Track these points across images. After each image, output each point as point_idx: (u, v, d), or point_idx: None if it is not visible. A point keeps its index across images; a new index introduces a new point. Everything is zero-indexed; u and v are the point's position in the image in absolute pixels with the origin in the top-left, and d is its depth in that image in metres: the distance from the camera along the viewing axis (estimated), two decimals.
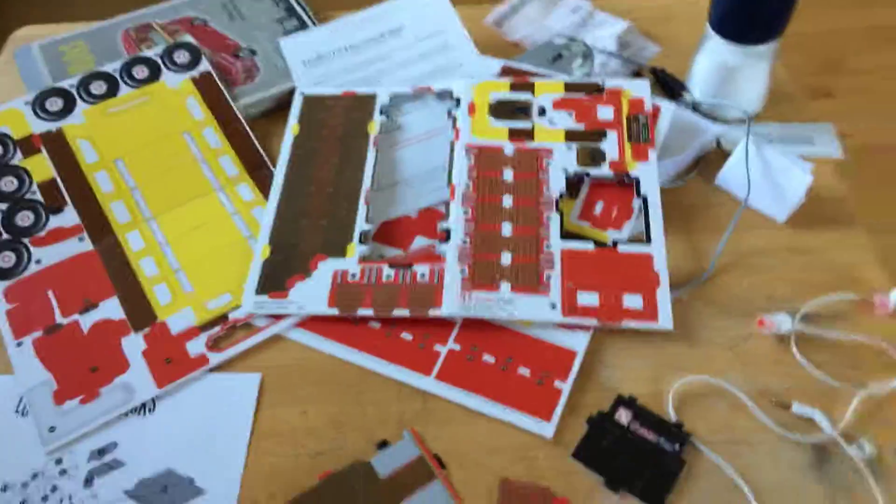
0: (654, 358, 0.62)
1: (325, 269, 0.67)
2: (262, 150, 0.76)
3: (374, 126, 0.76)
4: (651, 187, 0.68)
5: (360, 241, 0.68)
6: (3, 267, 0.68)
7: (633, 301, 0.63)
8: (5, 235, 0.69)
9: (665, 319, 0.62)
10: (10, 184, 0.72)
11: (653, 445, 0.56)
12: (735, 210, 0.69)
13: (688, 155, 0.72)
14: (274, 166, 0.75)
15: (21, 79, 0.80)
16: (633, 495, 0.54)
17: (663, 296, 0.63)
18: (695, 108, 0.77)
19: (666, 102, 0.74)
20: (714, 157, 0.74)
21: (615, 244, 0.66)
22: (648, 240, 0.66)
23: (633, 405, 0.59)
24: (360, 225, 0.69)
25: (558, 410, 0.59)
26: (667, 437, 0.57)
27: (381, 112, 0.77)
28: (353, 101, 0.78)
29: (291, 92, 0.80)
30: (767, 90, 0.77)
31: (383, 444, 0.58)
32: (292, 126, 0.77)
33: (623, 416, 0.58)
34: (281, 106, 0.80)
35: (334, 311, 0.64)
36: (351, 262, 0.67)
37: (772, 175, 0.68)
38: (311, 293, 0.65)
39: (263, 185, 0.74)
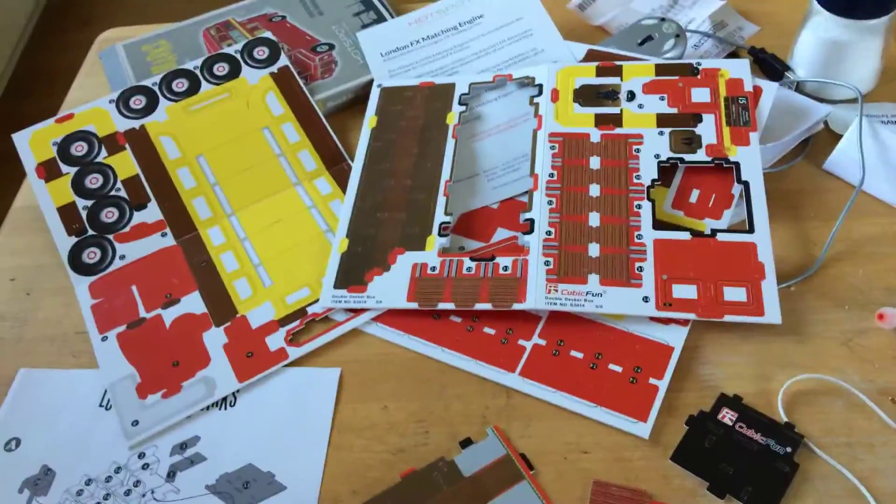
0: (759, 354, 0.57)
1: (404, 263, 0.65)
2: (339, 144, 0.75)
3: (453, 116, 0.73)
4: (753, 172, 0.63)
5: (440, 234, 0.66)
6: (88, 263, 0.69)
7: (735, 294, 0.58)
8: (91, 232, 0.70)
9: (772, 313, 0.57)
10: (95, 181, 0.72)
11: (761, 448, 0.52)
12: (846, 196, 0.63)
13: (793, 138, 0.67)
14: (352, 160, 0.74)
15: (107, 79, 0.81)
16: (740, 501, 0.50)
17: (769, 288, 0.58)
18: (799, 88, 0.72)
19: (768, 83, 0.69)
20: (822, 139, 0.68)
21: (714, 233, 0.61)
22: (751, 228, 0.61)
23: (737, 405, 0.54)
24: (440, 217, 0.67)
25: (655, 409, 0.55)
26: (777, 439, 0.52)
27: (460, 102, 0.74)
28: (431, 91, 0.76)
29: (369, 85, 0.78)
30: (881, 68, 0.71)
31: (467, 442, 0.55)
32: (370, 118, 0.75)
33: (727, 416, 0.54)
34: (359, 99, 0.79)
35: (414, 305, 0.62)
36: (430, 255, 0.65)
37: (888, 157, 0.62)
38: (390, 287, 0.63)
39: (341, 179, 0.73)
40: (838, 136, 0.66)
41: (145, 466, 0.57)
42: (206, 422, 0.59)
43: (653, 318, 0.59)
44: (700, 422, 0.54)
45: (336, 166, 0.74)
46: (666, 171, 0.66)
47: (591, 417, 0.55)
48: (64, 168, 0.73)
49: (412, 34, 0.82)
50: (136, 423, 0.59)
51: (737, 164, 0.64)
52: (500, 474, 0.53)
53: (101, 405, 0.61)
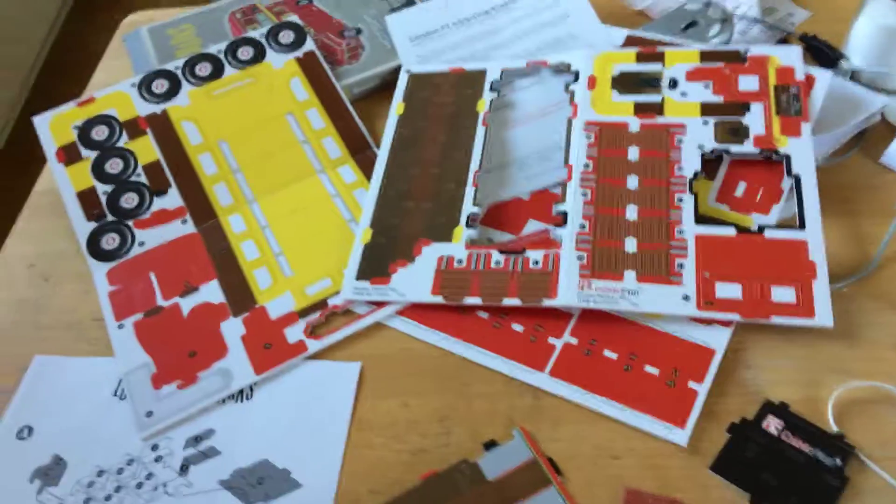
0: (808, 359, 0.53)
1: (430, 255, 0.62)
2: (365, 131, 0.73)
3: (484, 103, 0.70)
4: (805, 166, 0.59)
5: (468, 225, 0.63)
6: (107, 249, 0.67)
7: (783, 294, 0.54)
8: (110, 217, 0.68)
9: (823, 315, 0.53)
10: (115, 165, 0.71)
11: (808, 459, 0.48)
12: None
13: (848, 129, 0.63)
14: (378, 147, 0.71)
15: (131, 63, 0.80)
16: None
17: (821, 288, 0.54)
18: (854, 77, 0.67)
19: (821, 71, 0.65)
20: (878, 131, 0.64)
21: (761, 229, 0.57)
22: (802, 224, 0.57)
23: (783, 412, 0.50)
24: (468, 208, 0.64)
25: (694, 415, 0.51)
26: (825, 450, 0.48)
27: (492, 88, 0.71)
28: (461, 77, 0.73)
29: (397, 70, 0.76)
30: None
31: (491, 444, 0.52)
32: (397, 105, 0.73)
33: (772, 424, 0.50)
34: (386, 85, 0.76)
35: (439, 299, 0.59)
36: (457, 247, 0.62)
37: None
38: (415, 280, 0.61)
39: (367, 167, 0.70)
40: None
41: (158, 459, 0.55)
42: (221, 414, 0.57)
43: (693, 319, 0.55)
44: (743, 430, 0.50)
45: (361, 154, 0.71)
46: (710, 163, 0.62)
47: (624, 422, 0.52)
48: (84, 152, 0.71)
49: (442, 18, 0.79)
50: (150, 413, 0.57)
51: (787, 157, 0.60)
52: (526, 479, 0.50)
53: (115, 394, 0.59)
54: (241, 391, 0.58)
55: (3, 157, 1.83)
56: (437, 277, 0.60)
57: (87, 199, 0.69)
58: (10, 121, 1.88)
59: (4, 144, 1.85)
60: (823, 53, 0.70)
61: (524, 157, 0.68)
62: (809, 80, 0.64)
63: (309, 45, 0.77)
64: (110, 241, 0.67)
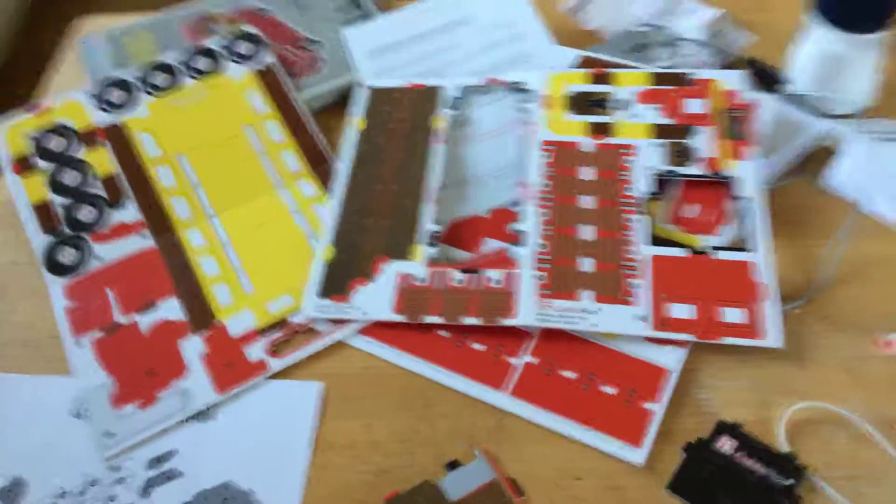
0: (759, 379, 0.55)
1: (390, 273, 0.62)
2: (325, 145, 0.73)
3: (442, 120, 0.71)
4: (752, 187, 0.62)
5: (429, 244, 0.64)
6: (64, 263, 0.66)
7: (734, 315, 0.57)
8: (67, 231, 0.67)
9: (773, 336, 0.55)
10: (73, 178, 0.69)
11: (761, 479, 0.50)
12: (847, 214, 0.62)
13: (790, 153, 0.65)
14: (337, 160, 0.71)
15: (83, 70, 0.78)
16: None
17: (771, 309, 0.56)
18: (795, 101, 0.70)
19: (764, 95, 0.67)
20: (820, 155, 0.67)
21: (712, 251, 0.60)
22: (751, 246, 0.59)
23: (737, 432, 0.53)
24: (427, 225, 0.65)
25: (650, 435, 0.53)
26: (778, 470, 0.51)
27: (450, 105, 0.72)
28: (420, 93, 0.74)
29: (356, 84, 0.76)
30: (880, 83, 0.69)
31: (454, 465, 0.53)
32: (358, 120, 0.73)
33: (726, 444, 0.52)
34: (345, 99, 0.76)
35: (401, 318, 0.60)
36: (417, 265, 0.63)
37: (890, 175, 0.61)
38: (376, 298, 0.61)
39: (326, 181, 0.70)
40: (836, 152, 0.65)
41: (120, 480, 0.55)
42: (183, 435, 0.57)
43: (649, 339, 0.57)
44: (698, 449, 0.52)
45: (320, 167, 0.72)
46: (664, 184, 0.64)
47: (584, 442, 0.54)
48: (41, 164, 0.70)
49: (400, 32, 0.79)
50: (110, 434, 0.57)
51: (735, 179, 0.63)
52: (488, 500, 0.51)
53: (74, 414, 0.58)
54: (203, 411, 0.58)
55: None
56: (399, 296, 0.61)
57: (44, 211, 0.68)
58: None
59: None
60: (767, 78, 0.73)
61: (482, 174, 0.70)
62: (754, 104, 0.67)
63: (268, 56, 0.77)
64: (67, 256, 0.66)
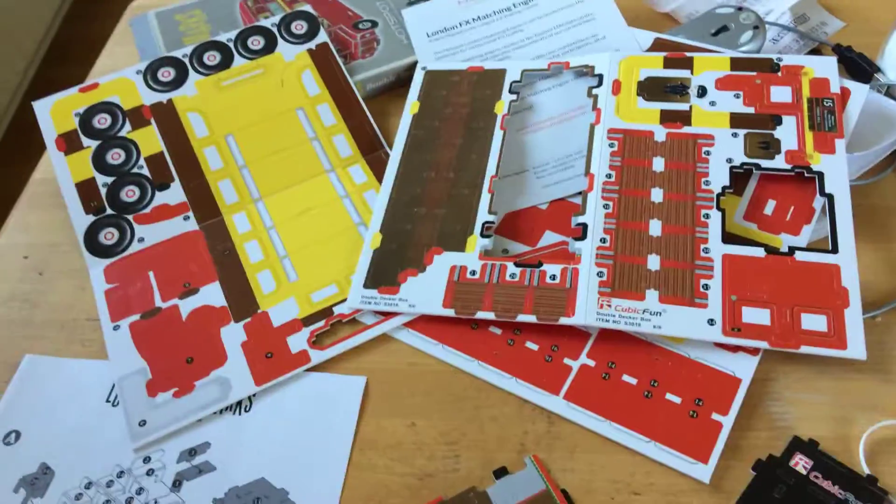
0: (839, 394, 0.50)
1: (442, 264, 0.59)
2: (378, 130, 0.69)
3: (503, 105, 0.67)
4: (839, 185, 0.56)
5: (482, 234, 0.60)
6: (105, 244, 0.64)
7: (814, 322, 0.51)
8: (109, 210, 0.65)
9: (856, 347, 0.50)
10: (117, 156, 0.68)
11: (839, 503, 0.45)
12: None
13: (883, 148, 0.59)
14: (390, 147, 0.68)
15: (137, 49, 0.77)
16: None
17: (853, 317, 0.51)
18: (889, 92, 0.64)
19: (857, 84, 0.62)
20: None
21: (791, 251, 0.55)
22: (835, 248, 0.54)
23: (813, 451, 0.47)
24: (483, 216, 0.61)
25: (717, 450, 0.48)
26: (857, 493, 0.45)
27: (511, 90, 0.68)
28: (479, 77, 0.70)
29: (412, 67, 0.73)
30: None
31: (502, 472, 0.50)
32: (412, 104, 0.70)
33: (800, 463, 0.47)
34: (401, 82, 0.73)
35: (450, 312, 0.56)
36: (471, 257, 0.59)
37: None
38: (425, 290, 0.58)
39: (378, 168, 0.67)
40: None
41: (150, 472, 0.53)
42: (218, 427, 0.55)
43: (718, 345, 0.53)
44: (769, 468, 0.47)
45: (373, 153, 0.69)
46: (739, 177, 0.59)
47: (644, 454, 0.49)
48: (85, 141, 0.68)
49: (462, 14, 0.75)
50: (143, 422, 0.55)
51: (820, 174, 0.57)
52: None
53: (107, 400, 0.57)
54: (239, 402, 0.56)
55: (5, 144, 1.79)
56: (449, 289, 0.57)
57: (87, 190, 0.66)
58: (13, 107, 1.84)
59: (6, 132, 1.81)
60: (858, 66, 0.67)
61: (543, 163, 0.65)
62: (844, 94, 0.61)
63: (322, 36, 0.74)
64: (109, 236, 0.65)
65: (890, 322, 0.53)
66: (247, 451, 0.53)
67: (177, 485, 0.52)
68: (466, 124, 0.67)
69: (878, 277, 0.56)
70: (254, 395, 0.56)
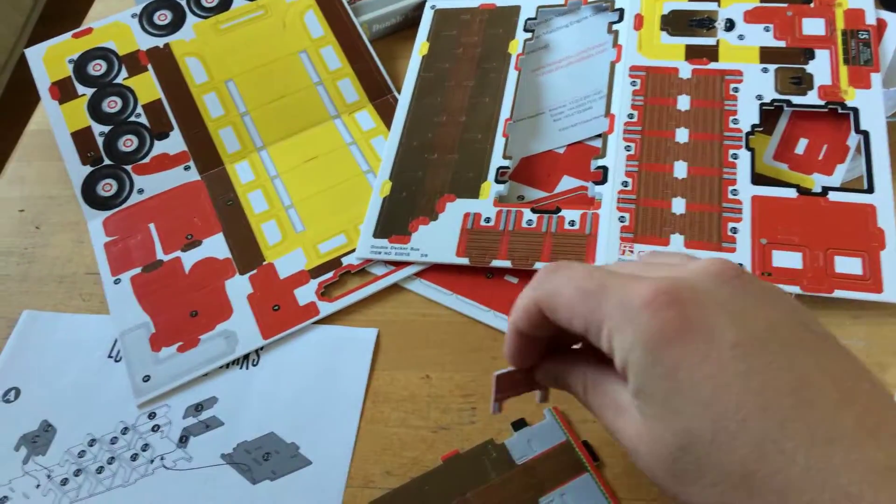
0: (875, 339, 0.48)
1: (455, 212, 0.56)
2: (385, 73, 0.66)
3: (517, 44, 0.64)
4: (875, 121, 0.53)
5: (497, 180, 0.57)
6: (104, 196, 0.62)
7: (848, 265, 0.48)
8: (107, 161, 0.63)
9: (893, 290, 0.47)
10: (114, 104, 0.65)
11: None
12: None
13: None
14: (398, 92, 0.65)
15: None
16: None
17: (890, 260, 0.48)
18: None
19: (893, 15, 0.58)
20: None
21: (824, 192, 0.51)
22: (870, 188, 0.51)
23: None
24: (497, 161, 0.58)
25: None
26: None
27: (526, 28, 0.64)
28: (492, 14, 0.66)
29: (421, 6, 0.69)
30: None
31: (521, 424, 0.47)
32: (421, 45, 0.66)
33: None
34: (409, 22, 0.70)
35: (464, 261, 0.54)
36: (485, 204, 0.56)
37: None
38: (437, 239, 0.55)
39: (386, 113, 0.64)
40: None
41: (155, 428, 0.51)
42: (225, 381, 0.53)
43: None
44: None
45: (380, 98, 0.65)
46: (769, 115, 0.55)
47: None
48: (80, 89, 0.65)
49: None
50: (147, 378, 0.53)
51: (855, 110, 0.54)
52: (559, 464, 0.45)
53: (109, 356, 0.54)
54: (246, 356, 0.53)
55: (3, 103, 1.76)
56: (463, 237, 0.55)
57: (83, 139, 0.63)
58: (10, 65, 1.81)
59: (4, 89, 1.78)
60: None
61: (560, 105, 0.62)
62: (881, 26, 0.57)
63: None
64: (107, 188, 0.62)
65: None
66: (255, 406, 0.51)
67: (183, 440, 0.50)
68: (479, 65, 0.64)
69: None
70: (261, 349, 0.54)
